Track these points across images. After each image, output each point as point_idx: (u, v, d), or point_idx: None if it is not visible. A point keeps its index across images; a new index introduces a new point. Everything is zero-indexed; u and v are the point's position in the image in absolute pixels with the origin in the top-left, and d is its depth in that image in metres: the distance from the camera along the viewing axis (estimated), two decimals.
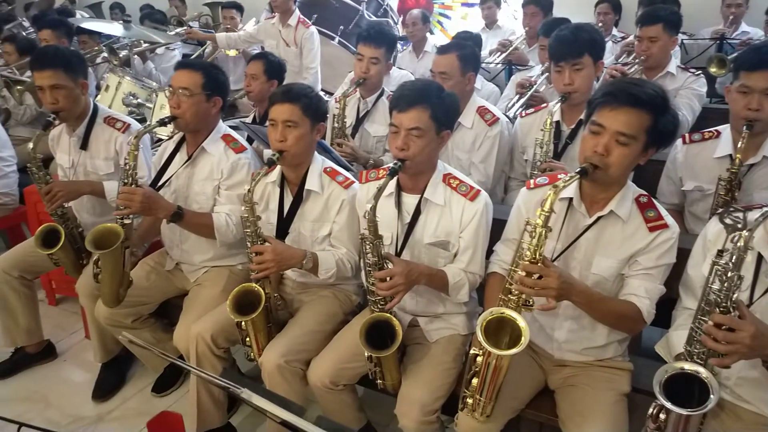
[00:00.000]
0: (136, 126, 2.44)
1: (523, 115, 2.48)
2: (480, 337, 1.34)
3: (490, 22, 5.02)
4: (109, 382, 2.47)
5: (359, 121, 2.82)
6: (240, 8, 5.37)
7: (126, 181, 2.01)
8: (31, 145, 2.19)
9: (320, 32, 4.61)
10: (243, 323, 1.84)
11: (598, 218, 1.57)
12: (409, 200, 1.79)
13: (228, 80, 2.30)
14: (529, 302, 1.41)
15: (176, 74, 2.13)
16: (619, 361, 1.69)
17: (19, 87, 3.61)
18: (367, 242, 1.62)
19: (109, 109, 2.50)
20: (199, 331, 1.96)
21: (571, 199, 1.60)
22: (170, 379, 2.45)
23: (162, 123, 2.11)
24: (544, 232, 1.37)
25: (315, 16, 4.67)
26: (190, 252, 2.26)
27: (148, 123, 2.12)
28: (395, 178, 1.76)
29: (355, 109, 2.83)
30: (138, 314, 2.28)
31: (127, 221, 2.02)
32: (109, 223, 2.45)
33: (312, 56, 4.03)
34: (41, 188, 2.25)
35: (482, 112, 2.45)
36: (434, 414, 1.68)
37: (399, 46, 4.42)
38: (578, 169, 1.46)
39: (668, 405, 1.18)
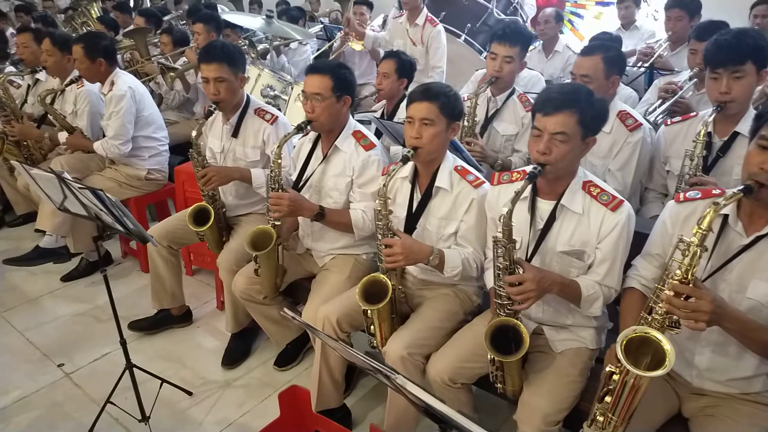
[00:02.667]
0: (283, 119, 2.60)
1: (669, 123, 2.33)
2: (620, 354, 1.29)
3: (627, 23, 4.74)
4: (237, 351, 2.67)
5: (488, 119, 2.80)
6: (370, 5, 5.51)
7: (273, 186, 2.18)
8: (194, 132, 2.41)
9: (447, 30, 4.63)
10: (369, 311, 1.90)
11: (757, 238, 1.45)
12: (544, 206, 1.76)
13: (355, 77, 2.38)
14: (674, 324, 1.34)
15: (307, 79, 2.22)
16: (767, 396, 1.55)
17: (171, 74, 3.97)
18: (500, 246, 1.61)
19: (259, 101, 2.69)
20: (326, 313, 2.06)
21: (726, 216, 1.48)
22: (291, 354, 2.61)
23: (299, 129, 2.23)
24: (699, 251, 1.29)
25: (443, 13, 4.69)
26: (321, 241, 2.38)
27: (287, 133, 2.26)
28: None
29: (485, 107, 2.81)
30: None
31: (277, 222, 2.20)
32: (250, 207, 2.69)
33: (439, 55, 4.04)
34: (198, 171, 2.48)
35: (623, 116, 2.34)
36: (556, 425, 1.65)
37: None
38: (742, 187, 1.35)
39: None
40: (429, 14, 4.05)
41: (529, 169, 1.67)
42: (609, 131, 2.32)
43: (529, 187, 1.75)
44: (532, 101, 2.69)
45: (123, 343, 2.15)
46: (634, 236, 1.73)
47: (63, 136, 3.33)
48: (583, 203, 1.70)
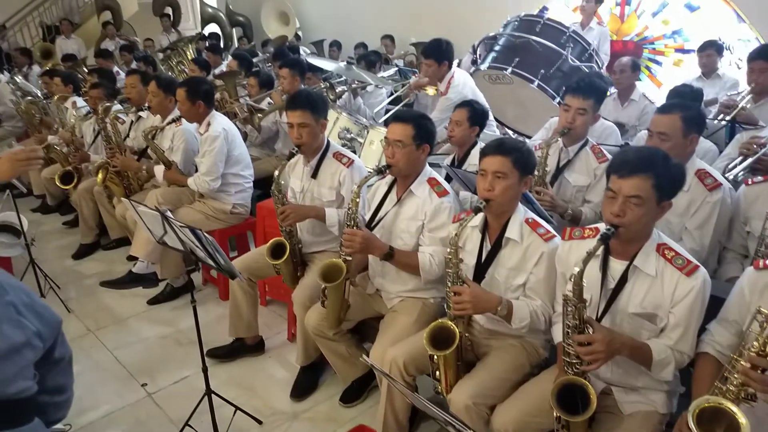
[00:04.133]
0: (358, 163, 2.75)
1: (750, 182, 2.28)
2: (692, 424, 1.28)
3: (709, 71, 4.64)
4: (305, 384, 2.78)
5: (560, 169, 2.82)
6: None
7: (349, 223, 2.31)
8: (276, 172, 2.60)
9: (519, 75, 4.70)
10: (436, 357, 1.96)
11: None
12: (616, 265, 1.77)
13: (435, 128, 2.50)
14: (750, 396, 1.32)
15: (391, 126, 2.36)
16: None
17: (258, 115, 4.26)
18: (570, 304, 1.64)
19: (337, 146, 2.86)
20: (394, 356, 2.14)
21: None
22: (357, 391, 2.68)
23: (379, 171, 2.36)
24: None
25: (517, 59, 4.77)
26: (391, 282, 2.47)
27: (367, 175, 2.42)
28: None
29: (556, 157, 2.84)
30: (339, 329, 2.53)
31: (348, 258, 2.31)
32: (324, 244, 2.83)
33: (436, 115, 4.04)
34: (278, 208, 2.66)
35: (702, 175, 2.31)
36: None
37: None
38: None
39: None
40: (451, 80, 4.06)
41: (602, 229, 1.70)
42: (687, 189, 2.28)
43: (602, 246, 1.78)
44: (606, 153, 2.73)
45: (205, 370, 2.30)
46: (710, 300, 1.70)
47: (160, 170, 3.64)
48: (656, 266, 1.70)
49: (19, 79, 6.12)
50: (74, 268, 4.27)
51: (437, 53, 3.98)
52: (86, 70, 6.40)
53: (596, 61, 5.04)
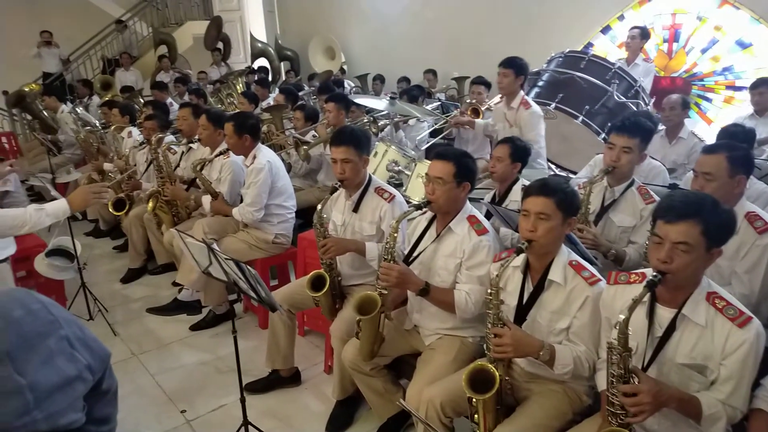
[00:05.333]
0: (399, 198, 2.78)
1: None
2: None
3: (762, 109, 4.50)
4: (341, 419, 2.76)
5: (604, 209, 2.77)
6: (488, 84, 5.72)
7: (386, 257, 2.31)
8: (319, 206, 2.66)
9: (563, 110, 4.68)
10: (475, 400, 1.92)
11: None
12: (664, 313, 1.72)
13: (477, 166, 2.51)
14: None
15: (432, 164, 2.38)
16: None
17: (304, 147, 4.37)
18: (615, 352, 1.59)
19: (380, 180, 2.90)
20: (431, 396, 2.11)
21: None
22: (392, 429, 2.64)
23: (418, 207, 2.38)
24: None
25: (561, 95, 4.75)
26: (429, 318, 2.46)
27: (406, 210, 2.42)
28: None
29: (601, 196, 2.80)
30: (376, 364, 2.53)
31: (384, 291, 2.32)
32: (363, 278, 2.84)
33: (532, 135, 4.00)
34: (319, 241, 2.70)
35: (752, 218, 2.23)
36: None
37: None
38: None
39: None
40: (525, 97, 4.11)
41: (649, 275, 1.66)
42: (736, 232, 2.21)
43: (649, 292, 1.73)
44: (653, 194, 2.68)
45: (243, 401, 2.33)
46: (765, 352, 1.63)
47: (207, 200, 3.77)
48: (706, 315, 1.64)
49: (80, 109, 6.48)
50: (122, 291, 4.43)
51: (517, 65, 3.99)
52: (142, 101, 6.72)
53: (643, 97, 4.97)
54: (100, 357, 0.85)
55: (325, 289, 2.69)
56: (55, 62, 9.85)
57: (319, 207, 2.66)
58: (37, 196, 6.87)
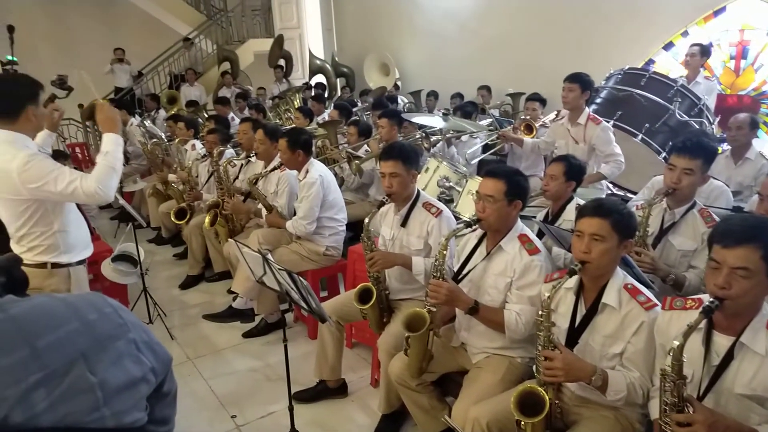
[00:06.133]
0: (446, 213, 2.80)
1: None
2: None
3: None
4: None
5: (663, 231, 2.69)
6: (543, 101, 5.67)
7: (435, 274, 2.32)
8: (367, 219, 2.72)
9: (622, 128, 4.56)
10: (523, 423, 1.90)
11: None
12: (721, 340, 1.65)
13: (529, 184, 2.49)
14: None
15: (483, 182, 2.39)
16: None
17: (356, 162, 4.45)
18: (668, 379, 1.54)
19: (428, 195, 2.93)
20: (476, 415, 2.09)
21: None
22: None
23: (468, 225, 2.39)
24: None
25: (619, 112, 4.64)
26: (477, 336, 2.45)
27: (455, 228, 2.43)
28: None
29: (660, 218, 2.71)
30: (422, 380, 2.53)
31: (433, 309, 2.32)
32: (411, 292, 2.86)
33: (611, 148, 3.98)
34: (367, 254, 2.75)
35: None
36: None
37: None
38: None
39: None
40: (591, 113, 4.05)
41: (705, 301, 1.60)
42: None
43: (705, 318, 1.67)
44: (715, 217, 2.57)
45: (291, 409, 2.38)
46: None
47: (263, 213, 3.89)
48: (767, 344, 1.57)
49: (147, 122, 6.82)
50: (180, 297, 4.62)
51: (582, 80, 3.95)
52: (206, 115, 7.03)
53: (707, 116, 4.79)
54: (163, 360, 0.89)
55: (371, 302, 2.73)
56: (126, 78, 10.45)
57: (366, 221, 2.71)
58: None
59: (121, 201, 3.70)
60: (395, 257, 2.81)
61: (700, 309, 1.57)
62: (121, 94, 10.15)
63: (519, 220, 2.46)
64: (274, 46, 9.98)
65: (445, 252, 2.33)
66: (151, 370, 0.85)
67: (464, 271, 2.48)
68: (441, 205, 2.86)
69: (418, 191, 2.91)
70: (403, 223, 2.86)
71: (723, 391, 1.62)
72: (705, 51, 5.21)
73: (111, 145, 2.42)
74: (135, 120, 7.06)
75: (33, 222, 2.34)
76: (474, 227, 2.43)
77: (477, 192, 2.40)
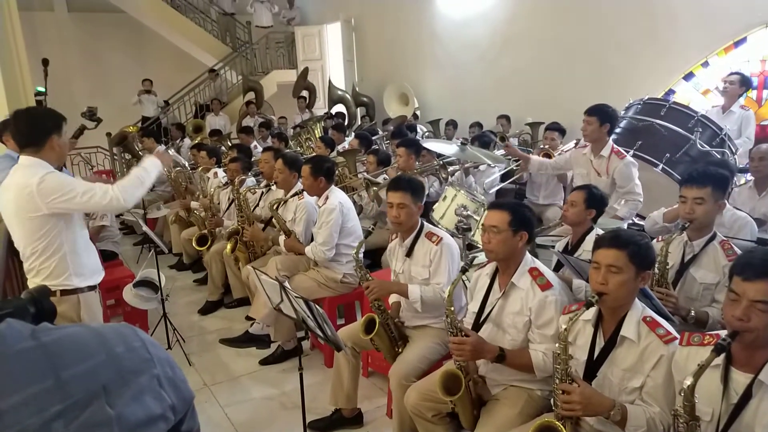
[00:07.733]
0: (447, 240, 2.84)
1: None
2: None
3: None
4: None
5: (684, 265, 2.64)
6: (563, 131, 5.68)
7: (452, 331, 2.26)
8: (360, 254, 2.83)
9: (642, 158, 4.53)
10: None
11: None
12: (739, 378, 1.61)
13: (535, 216, 2.48)
14: None
15: (488, 214, 2.39)
16: None
17: (374, 189, 4.50)
18: (681, 420, 1.50)
19: (431, 226, 2.99)
20: None
21: None
22: None
23: (464, 270, 2.37)
24: None
25: (639, 142, 4.62)
26: (497, 371, 2.41)
27: (453, 280, 2.39)
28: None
29: (681, 251, 2.67)
30: (439, 411, 2.49)
31: (463, 364, 2.30)
32: (425, 319, 2.86)
33: (631, 186, 3.97)
34: (364, 284, 2.83)
35: None
36: None
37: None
38: None
39: None
40: (615, 146, 4.03)
41: (722, 336, 1.57)
42: None
43: (723, 354, 1.63)
44: (737, 250, 2.53)
45: None
46: None
47: (281, 239, 3.94)
48: None
49: (172, 151, 6.98)
50: (199, 323, 4.65)
51: (602, 113, 3.94)
52: (230, 144, 7.18)
53: (729, 146, 4.74)
54: (184, 398, 0.88)
55: (375, 332, 2.73)
56: (153, 108, 10.78)
57: (359, 254, 2.83)
58: (129, 229, 7.42)
59: (144, 227, 3.78)
60: (390, 285, 2.87)
61: (713, 347, 1.53)
62: (148, 123, 10.44)
63: (527, 253, 2.44)
64: (299, 78, 10.22)
65: (452, 308, 2.26)
66: (170, 407, 0.84)
67: (484, 314, 2.45)
68: (442, 233, 2.91)
69: (422, 222, 2.96)
70: (408, 254, 2.90)
71: (743, 430, 1.58)
72: (745, 81, 5.11)
73: (150, 166, 2.65)
74: (161, 148, 7.20)
75: (46, 242, 2.42)
76: (480, 265, 2.41)
77: (482, 225, 2.40)
